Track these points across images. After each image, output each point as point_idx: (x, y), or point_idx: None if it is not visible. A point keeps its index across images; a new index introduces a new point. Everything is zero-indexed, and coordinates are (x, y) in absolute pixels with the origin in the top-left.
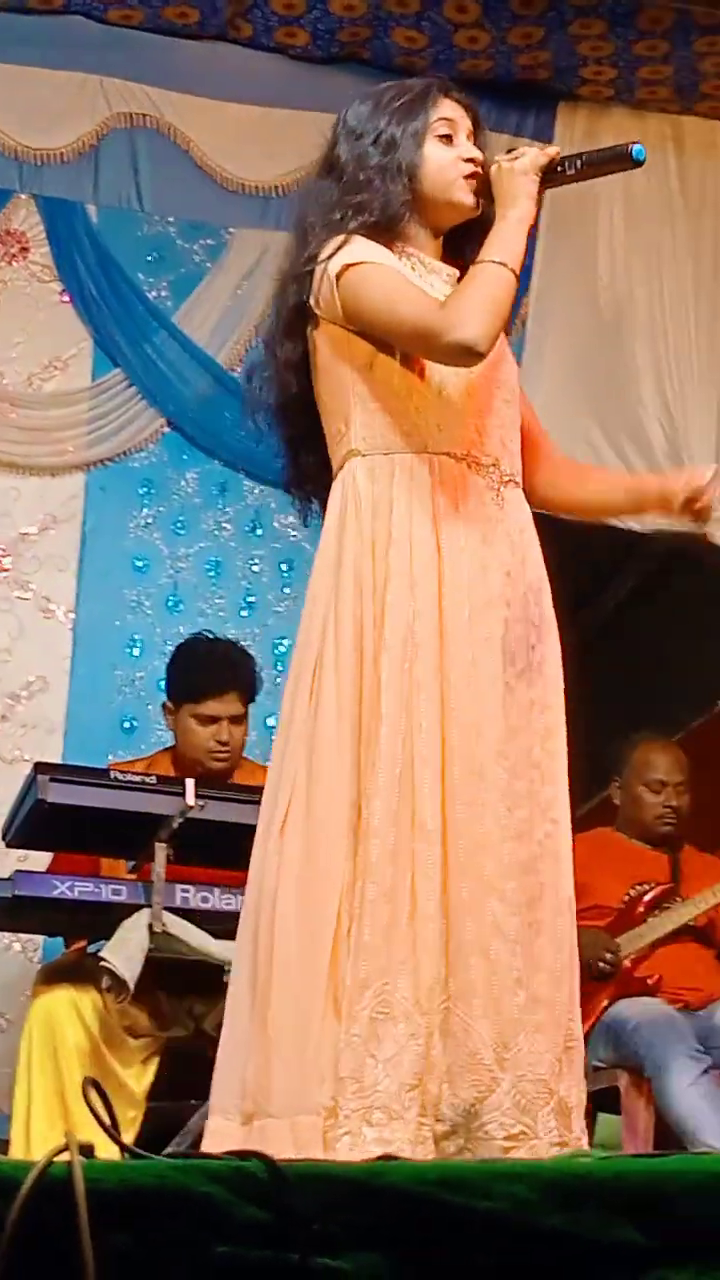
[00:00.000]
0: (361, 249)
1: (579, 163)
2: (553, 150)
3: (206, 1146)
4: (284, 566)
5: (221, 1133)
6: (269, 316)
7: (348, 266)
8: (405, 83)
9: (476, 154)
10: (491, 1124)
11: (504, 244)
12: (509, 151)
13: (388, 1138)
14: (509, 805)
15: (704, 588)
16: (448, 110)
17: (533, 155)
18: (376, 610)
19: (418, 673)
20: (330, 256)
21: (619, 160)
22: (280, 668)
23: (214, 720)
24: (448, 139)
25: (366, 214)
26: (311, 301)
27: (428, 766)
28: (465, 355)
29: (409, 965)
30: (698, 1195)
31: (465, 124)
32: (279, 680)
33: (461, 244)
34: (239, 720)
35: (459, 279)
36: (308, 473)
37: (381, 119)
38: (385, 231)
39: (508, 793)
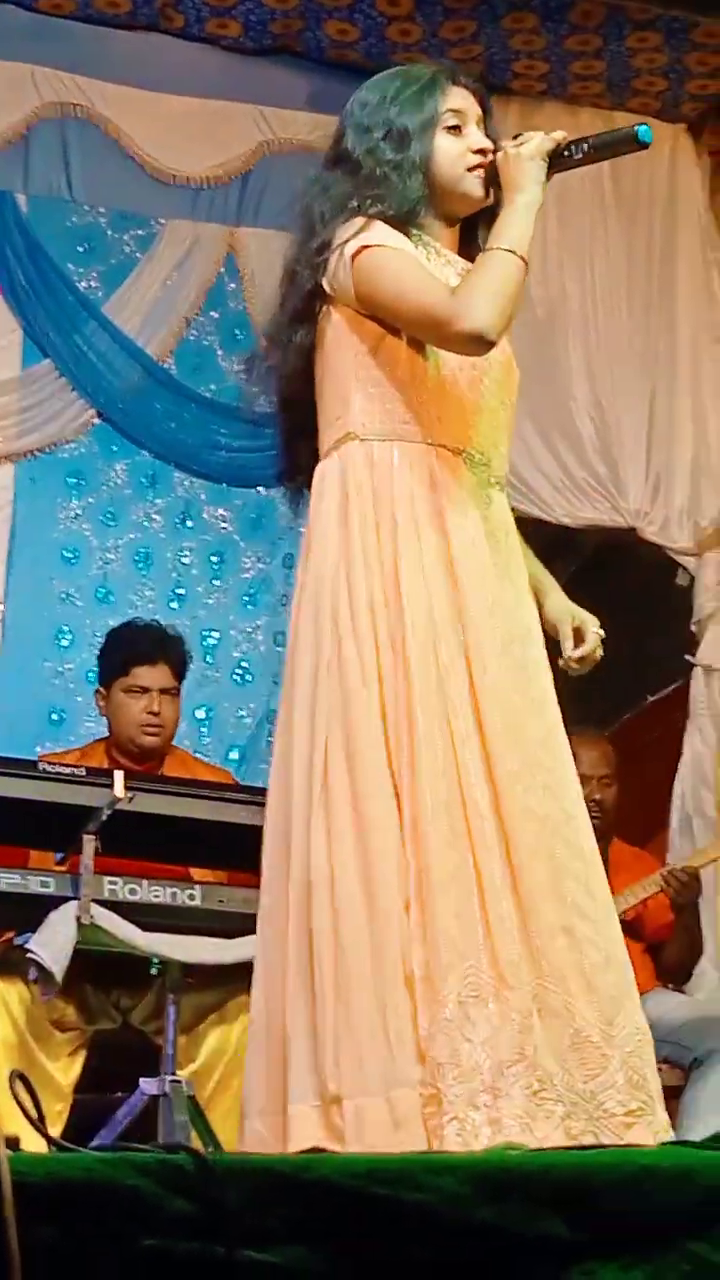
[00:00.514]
0: (380, 233)
1: (586, 146)
2: (559, 135)
3: (291, 1133)
4: (214, 559)
5: (303, 1119)
6: (275, 308)
7: (365, 248)
8: (411, 70)
9: (486, 144)
10: (609, 1102)
11: (512, 230)
12: (515, 137)
13: (496, 1117)
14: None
15: (635, 582)
16: (456, 100)
17: (539, 140)
18: (389, 591)
19: (444, 656)
20: (349, 239)
21: (626, 143)
22: (209, 659)
23: (145, 691)
24: (456, 130)
25: (384, 205)
26: (326, 283)
27: (467, 746)
28: (475, 343)
29: (487, 944)
30: (624, 1189)
31: (475, 111)
32: (208, 673)
33: (472, 234)
34: (170, 694)
35: None
36: (303, 464)
37: (390, 110)
38: (402, 224)
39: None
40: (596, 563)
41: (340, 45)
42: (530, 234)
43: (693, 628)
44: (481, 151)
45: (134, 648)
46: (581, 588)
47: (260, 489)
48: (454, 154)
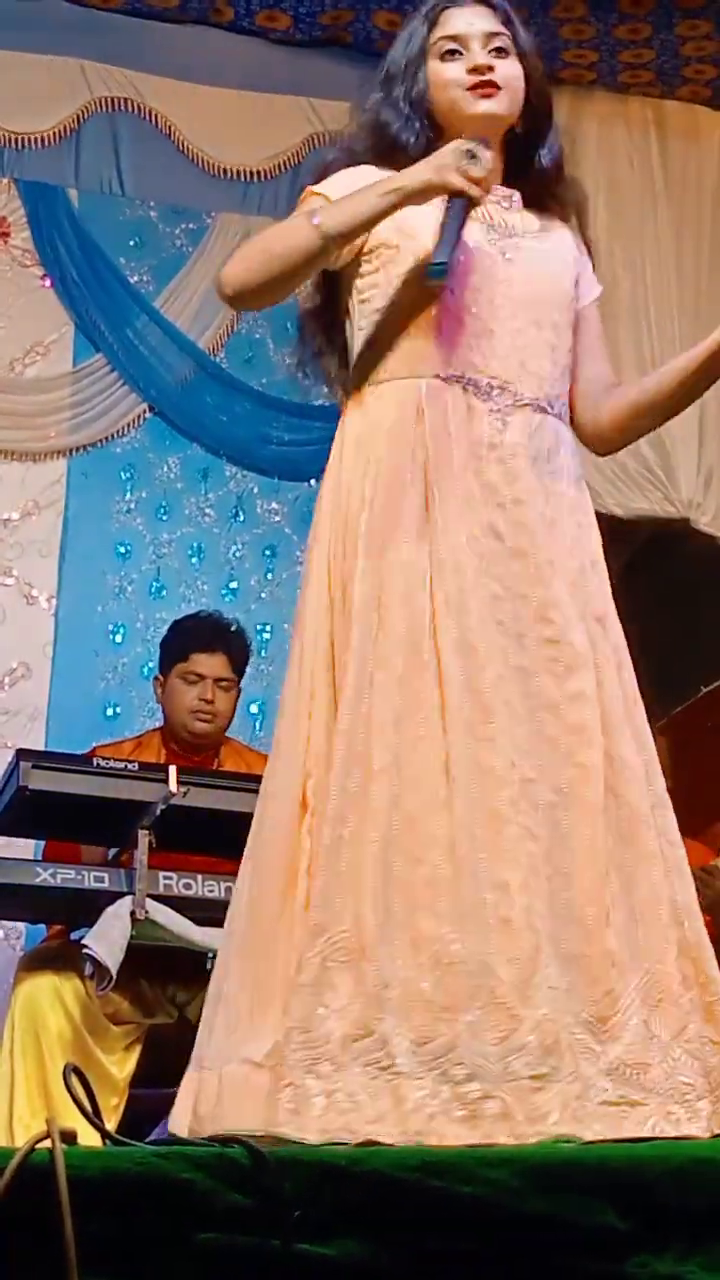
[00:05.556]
0: (329, 181)
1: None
2: (477, 192)
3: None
4: (267, 552)
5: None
6: None
7: (306, 191)
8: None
9: (482, 61)
10: (516, 1063)
11: (338, 205)
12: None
13: (331, 1089)
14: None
15: (687, 573)
16: (454, 24)
17: (462, 171)
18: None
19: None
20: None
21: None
22: (264, 654)
23: (201, 678)
24: (454, 54)
25: (371, 153)
26: None
27: (380, 707)
28: (220, 294)
29: (358, 909)
30: (678, 1181)
31: (481, 29)
32: (262, 667)
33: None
34: (226, 686)
35: (515, 196)
36: None
37: (388, 58)
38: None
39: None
40: (649, 553)
41: (390, 36)
42: (355, 214)
43: None
44: (478, 69)
45: (194, 635)
46: (634, 578)
47: (312, 482)
48: (446, 79)
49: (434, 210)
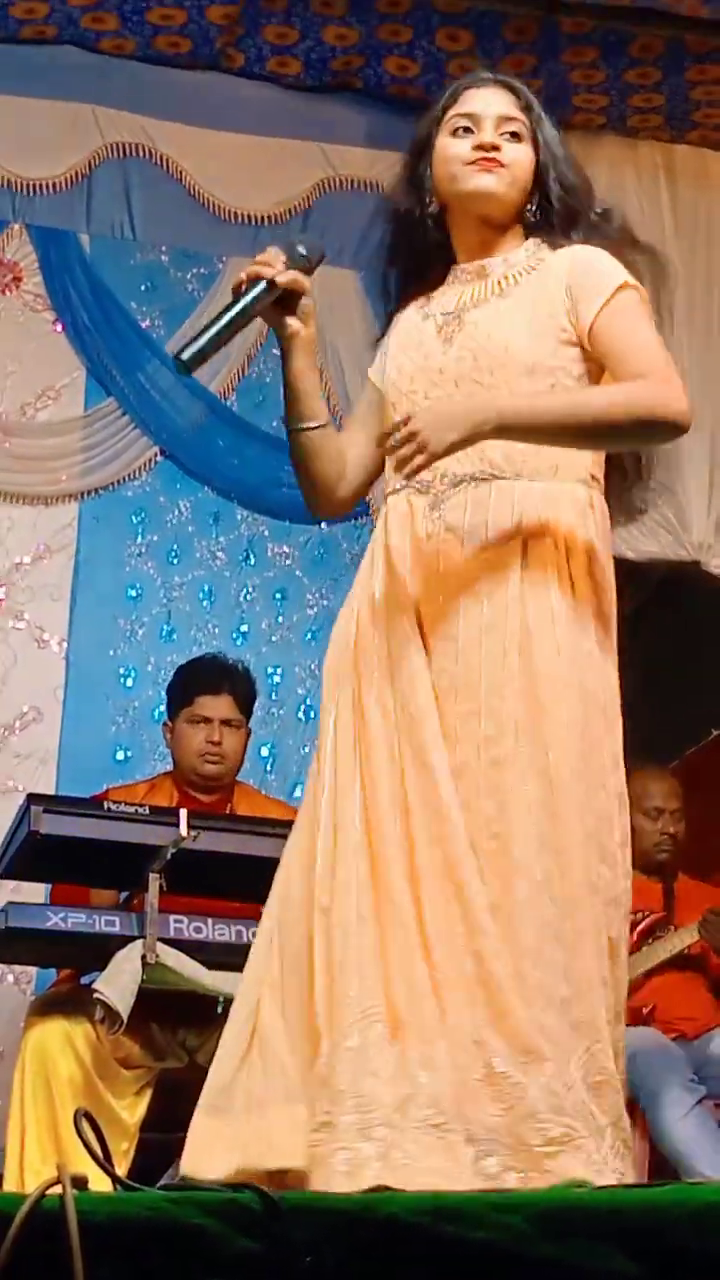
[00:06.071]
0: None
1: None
2: (257, 274)
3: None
4: (277, 595)
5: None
6: None
7: None
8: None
9: (489, 140)
10: (527, 1134)
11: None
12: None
13: (384, 1151)
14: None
15: (698, 616)
16: (470, 104)
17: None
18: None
19: (343, 718)
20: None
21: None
22: (274, 696)
23: (207, 721)
24: (465, 130)
25: (394, 241)
26: None
27: (380, 789)
28: None
29: (385, 984)
30: (691, 1225)
31: (498, 111)
32: (271, 710)
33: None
34: (233, 726)
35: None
36: None
37: (416, 128)
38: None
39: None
40: (659, 597)
41: (401, 81)
42: (286, 379)
43: None
44: (482, 146)
45: (200, 678)
46: (643, 622)
47: (323, 525)
48: (450, 154)
49: (414, 338)
